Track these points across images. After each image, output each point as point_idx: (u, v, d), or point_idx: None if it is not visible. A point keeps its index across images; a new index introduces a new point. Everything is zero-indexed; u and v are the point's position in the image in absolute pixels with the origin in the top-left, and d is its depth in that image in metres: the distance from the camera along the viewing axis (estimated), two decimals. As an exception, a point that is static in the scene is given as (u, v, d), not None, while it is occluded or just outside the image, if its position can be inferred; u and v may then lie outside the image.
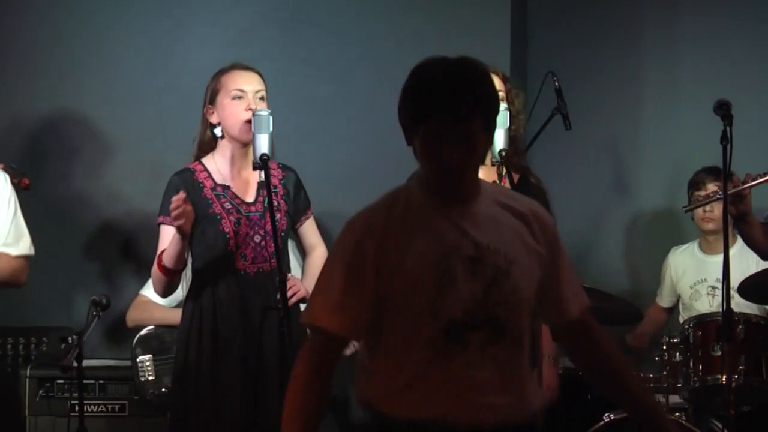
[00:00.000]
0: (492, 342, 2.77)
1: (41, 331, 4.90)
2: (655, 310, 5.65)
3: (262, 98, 4.17)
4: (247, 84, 4.16)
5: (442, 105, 2.74)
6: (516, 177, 4.23)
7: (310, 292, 4.15)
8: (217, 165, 4.21)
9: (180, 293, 4.47)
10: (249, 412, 4.04)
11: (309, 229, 4.36)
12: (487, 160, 3.92)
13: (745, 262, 4.87)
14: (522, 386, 2.84)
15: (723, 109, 4.42)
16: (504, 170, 4.17)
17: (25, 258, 4.33)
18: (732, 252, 4.69)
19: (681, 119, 5.85)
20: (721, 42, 5.86)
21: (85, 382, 4.57)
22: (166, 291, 4.18)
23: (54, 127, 5.53)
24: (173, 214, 3.85)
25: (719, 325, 4.63)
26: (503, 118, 3.93)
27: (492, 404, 2.77)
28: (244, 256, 4.13)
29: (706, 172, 5.27)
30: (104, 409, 4.85)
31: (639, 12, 6.04)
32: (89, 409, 4.72)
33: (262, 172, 3.92)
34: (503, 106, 4.09)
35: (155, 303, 5.02)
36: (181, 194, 3.88)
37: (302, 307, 4.21)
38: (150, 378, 4.78)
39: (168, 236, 4.04)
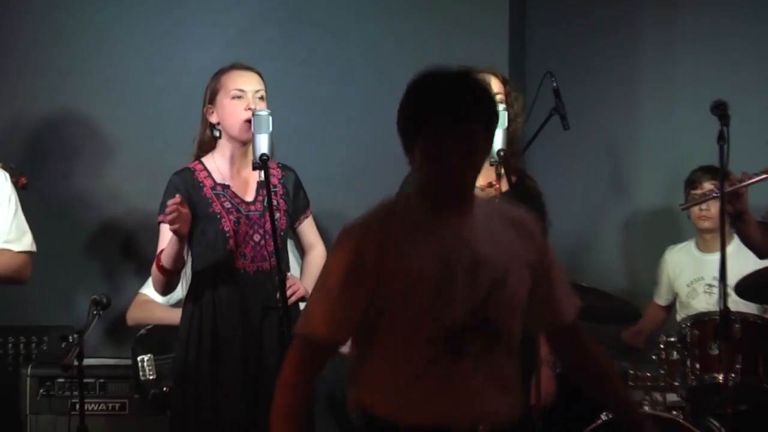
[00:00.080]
0: (489, 348, 2.80)
1: (42, 330, 4.92)
2: (654, 308, 5.66)
3: (261, 98, 4.17)
4: (246, 84, 4.16)
5: (443, 106, 2.75)
6: (513, 179, 4.25)
7: (309, 290, 4.20)
8: (217, 164, 4.21)
9: (180, 292, 4.46)
10: (249, 412, 4.03)
11: (308, 229, 4.36)
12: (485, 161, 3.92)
13: (742, 260, 4.81)
14: (515, 390, 2.87)
15: (720, 110, 4.42)
16: (502, 170, 4.18)
17: (28, 254, 4.33)
18: (729, 250, 4.67)
19: (678, 119, 5.86)
20: (719, 42, 5.87)
21: (85, 380, 4.54)
22: (165, 289, 4.18)
23: (54, 126, 5.53)
24: (168, 218, 3.86)
25: (716, 324, 4.62)
26: (502, 118, 3.93)
27: (489, 411, 2.80)
28: (244, 255, 4.13)
29: (703, 171, 5.29)
30: (105, 407, 4.84)
31: (637, 12, 6.05)
32: (90, 408, 4.71)
33: (262, 172, 3.91)
34: (502, 106, 4.09)
35: (155, 302, 5.03)
36: (177, 198, 3.88)
37: (302, 305, 4.25)
38: (150, 377, 4.76)
39: (167, 235, 4.03)
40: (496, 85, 4.32)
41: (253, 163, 3.93)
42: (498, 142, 3.95)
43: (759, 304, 5.04)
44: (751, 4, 5.85)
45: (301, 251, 4.48)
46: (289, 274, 4.14)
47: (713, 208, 5.19)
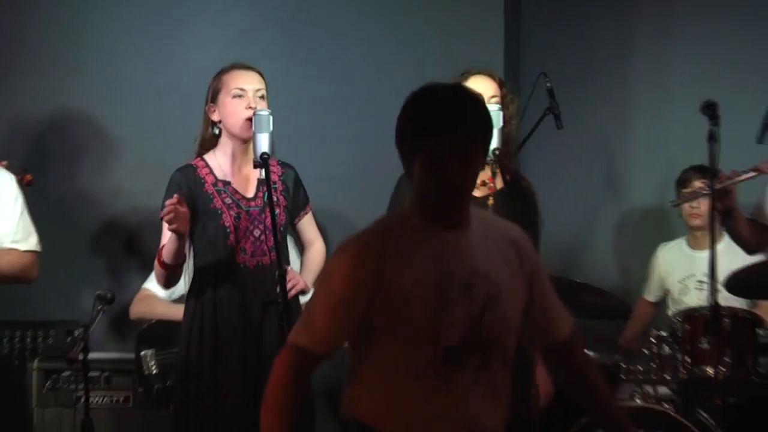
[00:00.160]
0: (485, 364, 2.80)
1: (48, 325, 4.91)
2: (643, 304, 5.69)
3: (262, 97, 4.17)
4: (247, 83, 4.16)
5: (445, 125, 2.74)
6: (507, 177, 4.22)
7: (309, 285, 4.19)
8: (219, 161, 4.20)
9: (182, 287, 4.44)
10: (249, 412, 3.95)
11: (308, 225, 4.36)
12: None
13: (732, 257, 4.83)
14: (506, 403, 2.87)
15: (710, 110, 4.44)
16: (497, 169, 4.20)
17: (34, 254, 4.33)
18: (719, 248, 4.70)
19: (670, 119, 5.87)
20: (711, 44, 5.88)
21: (90, 374, 4.56)
22: (167, 283, 4.17)
23: (57, 126, 5.54)
24: (166, 218, 3.85)
25: (707, 319, 4.67)
26: (497, 118, 3.96)
27: (486, 427, 2.81)
28: (244, 250, 4.12)
29: (694, 170, 5.31)
30: (109, 400, 4.86)
31: (630, 14, 6.06)
32: (94, 401, 4.74)
33: (263, 170, 3.91)
34: (497, 106, 4.11)
35: (157, 297, 5.05)
36: (174, 198, 3.87)
37: (301, 299, 4.23)
38: (154, 372, 4.78)
39: (168, 232, 4.03)
40: (492, 87, 4.32)
41: (254, 162, 3.93)
42: (494, 141, 3.96)
43: (748, 299, 5.06)
44: (743, 5, 5.86)
45: (302, 247, 4.47)
46: (288, 268, 4.14)
47: (703, 205, 5.21)
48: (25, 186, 4.42)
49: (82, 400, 4.52)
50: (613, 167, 6.07)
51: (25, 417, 4.50)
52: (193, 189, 4.14)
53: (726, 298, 4.77)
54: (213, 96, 4.20)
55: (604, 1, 6.11)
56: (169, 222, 3.84)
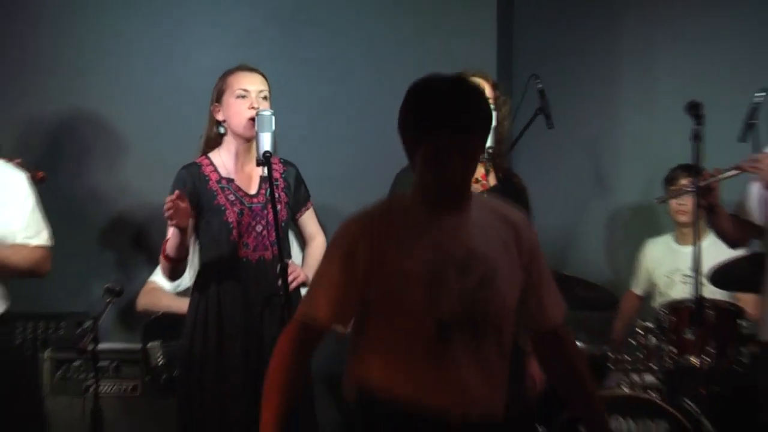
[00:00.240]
0: (476, 340, 2.80)
1: (59, 317, 4.86)
2: (630, 297, 5.71)
3: (265, 98, 4.18)
4: (250, 84, 4.17)
5: (445, 119, 2.75)
6: (500, 175, 4.28)
7: (310, 277, 4.20)
8: (223, 159, 4.21)
9: (187, 280, 4.48)
10: (251, 401, 3.87)
11: (309, 220, 4.37)
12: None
13: (716, 253, 4.82)
14: (500, 383, 2.87)
15: (694, 110, 4.46)
16: (490, 166, 4.22)
17: (46, 249, 4.32)
18: (705, 243, 4.74)
19: (657, 119, 5.87)
20: (694, 46, 5.88)
21: (99, 364, 4.50)
22: (172, 275, 4.18)
23: (69, 126, 5.53)
24: (166, 214, 3.85)
25: (691, 311, 4.66)
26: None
27: (472, 396, 2.81)
28: (246, 245, 4.13)
29: (681, 169, 5.32)
30: (118, 389, 4.84)
31: (617, 18, 6.06)
32: (104, 390, 4.71)
33: (265, 168, 3.92)
34: (491, 106, 4.13)
35: (163, 290, 5.06)
36: (174, 195, 3.87)
37: (302, 291, 4.26)
38: (160, 362, 4.78)
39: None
40: (486, 89, 4.24)
41: (257, 160, 3.94)
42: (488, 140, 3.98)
43: (730, 291, 5.05)
44: (727, 7, 5.86)
45: (303, 242, 4.47)
46: (290, 261, 4.14)
47: (690, 202, 5.14)
48: (37, 183, 4.40)
49: (92, 388, 4.46)
50: (601, 165, 6.07)
51: (37, 405, 4.47)
52: (197, 186, 4.14)
53: (712, 292, 4.78)
54: (218, 96, 4.21)
55: (593, 5, 6.09)
56: (170, 217, 3.85)
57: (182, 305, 4.41)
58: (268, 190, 3.98)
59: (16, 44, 5.54)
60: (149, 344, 4.81)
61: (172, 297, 5.01)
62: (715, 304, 4.77)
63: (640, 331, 4.95)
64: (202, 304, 4.14)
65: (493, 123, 4.01)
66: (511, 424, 2.90)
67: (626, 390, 4.78)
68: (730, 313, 4.81)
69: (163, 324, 4.81)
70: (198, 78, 4.74)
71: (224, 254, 4.12)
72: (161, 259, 4.11)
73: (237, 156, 4.21)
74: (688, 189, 4.70)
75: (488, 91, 4.29)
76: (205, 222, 4.16)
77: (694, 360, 4.73)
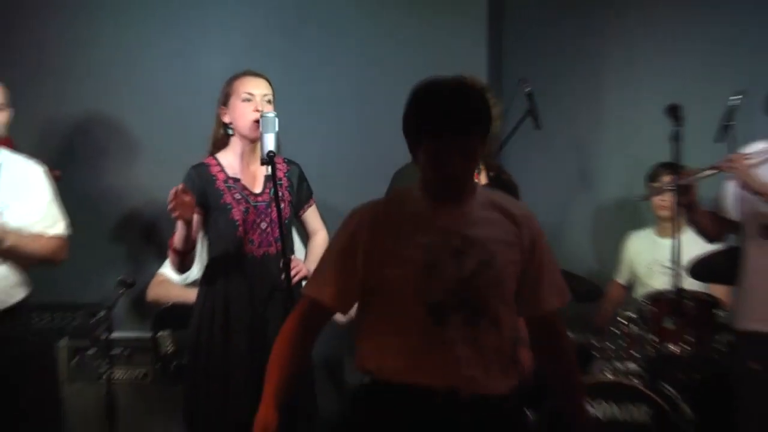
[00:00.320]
0: (471, 322, 2.80)
1: (75, 307, 4.79)
2: (615, 287, 5.72)
3: (269, 101, 4.18)
4: (255, 88, 4.18)
5: (444, 120, 2.76)
6: (491, 173, 4.28)
7: (312, 271, 4.21)
8: (229, 160, 4.22)
9: (195, 271, 4.49)
10: (255, 389, 3.77)
11: (311, 216, 4.38)
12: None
13: (694, 246, 4.89)
14: (495, 365, 2.85)
15: (673, 112, 4.49)
16: (482, 165, 4.24)
17: (62, 238, 4.35)
18: (685, 237, 4.77)
19: (639, 120, 5.85)
20: (673, 52, 5.87)
21: (113, 351, 4.61)
22: (180, 268, 4.17)
23: (83, 128, 5.52)
24: (169, 207, 3.84)
25: (671, 301, 4.72)
26: None
27: (467, 376, 2.80)
28: (252, 241, 4.13)
29: (663, 167, 5.32)
30: (130, 376, 4.83)
31: (602, 27, 6.05)
32: (116, 376, 4.70)
33: (269, 167, 3.93)
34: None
35: (172, 282, 5.07)
36: (180, 186, 3.87)
37: (304, 285, 4.29)
38: (170, 350, 4.77)
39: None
40: None
41: (262, 159, 3.92)
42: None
43: (707, 283, 5.07)
44: (707, 12, 5.86)
45: (305, 238, 4.47)
46: (292, 256, 4.16)
47: (670, 198, 5.20)
48: (54, 181, 4.43)
49: (106, 375, 4.54)
50: (586, 163, 6.07)
51: (55, 390, 4.48)
52: (205, 185, 4.15)
53: (689, 283, 4.80)
54: (224, 100, 4.22)
55: (579, 13, 6.07)
56: (173, 209, 3.84)
57: (190, 296, 4.41)
58: (273, 189, 3.98)
59: (35, 48, 5.52)
60: (159, 333, 4.80)
61: (181, 288, 5.02)
62: (693, 295, 4.80)
63: (622, 320, 4.96)
64: (209, 296, 4.14)
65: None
66: (502, 404, 2.88)
67: (610, 376, 4.80)
68: (707, 303, 4.85)
69: (173, 314, 4.80)
70: (206, 82, 4.72)
71: (230, 250, 4.13)
72: (170, 252, 4.12)
73: (243, 156, 4.22)
74: (668, 187, 4.72)
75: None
76: (212, 219, 4.16)
77: (673, 348, 4.77)
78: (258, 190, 4.21)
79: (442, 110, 2.78)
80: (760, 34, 5.65)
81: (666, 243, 5.13)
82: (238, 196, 4.17)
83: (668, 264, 4.79)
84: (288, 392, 2.91)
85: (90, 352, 4.80)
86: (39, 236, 4.27)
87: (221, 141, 4.26)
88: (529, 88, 4.92)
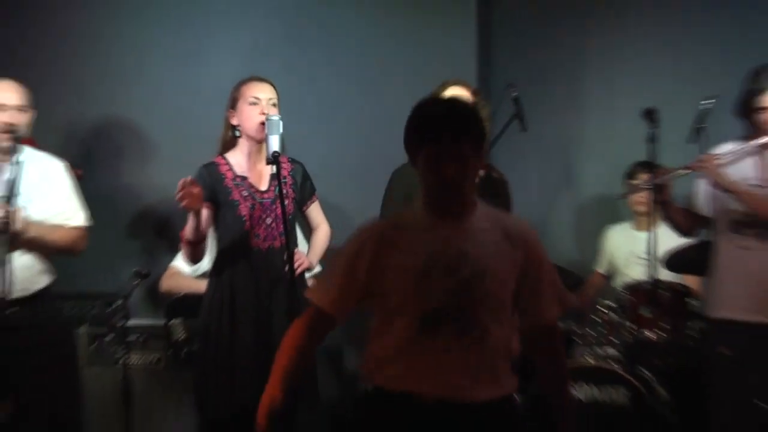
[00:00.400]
0: (461, 334, 2.81)
1: (93, 296, 4.81)
2: (596, 276, 5.72)
3: (274, 105, 4.20)
4: (261, 92, 4.19)
5: (438, 131, 2.81)
6: (482, 171, 4.26)
7: (314, 263, 4.19)
8: (237, 159, 4.23)
9: (206, 263, 4.50)
10: (261, 374, 3.57)
11: (314, 211, 4.39)
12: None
13: (668, 239, 4.91)
14: (489, 374, 2.85)
15: (649, 115, 4.51)
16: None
17: (82, 228, 4.35)
18: (660, 231, 4.79)
19: (618, 122, 5.83)
20: (650, 59, 5.85)
21: (128, 338, 4.65)
22: (192, 258, 4.15)
23: (103, 131, 5.53)
24: (177, 197, 3.81)
25: (647, 291, 4.74)
26: None
27: (455, 385, 2.80)
28: (258, 236, 4.14)
29: (640, 166, 5.31)
30: (144, 361, 4.84)
31: (584, 35, 6.03)
32: (132, 362, 4.75)
33: (275, 166, 3.91)
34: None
35: (183, 274, 5.08)
36: (188, 178, 3.84)
37: (307, 275, 4.27)
38: (182, 338, 4.77)
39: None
40: (466, 96, 4.34)
41: (267, 159, 3.92)
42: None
43: (681, 274, 5.08)
44: (677, 25, 5.85)
45: (308, 232, 4.49)
46: (296, 249, 4.18)
47: (646, 195, 5.20)
48: (76, 179, 4.44)
49: (122, 360, 4.59)
50: (569, 162, 6.07)
51: (75, 374, 4.47)
52: (215, 183, 4.16)
53: (664, 274, 4.82)
54: (232, 103, 4.23)
55: (562, 22, 6.04)
56: (181, 198, 3.82)
57: (201, 286, 4.42)
58: (277, 186, 3.96)
59: (57, 54, 5.54)
60: (172, 321, 4.82)
61: (192, 279, 5.04)
62: (668, 285, 4.83)
63: (602, 309, 4.98)
64: (218, 286, 4.15)
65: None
66: (492, 412, 2.86)
67: (591, 361, 4.81)
68: (680, 293, 4.87)
69: (185, 303, 4.81)
70: (214, 87, 4.71)
71: (238, 243, 4.14)
72: (182, 244, 4.12)
73: (249, 156, 4.23)
74: (645, 185, 4.73)
75: (468, 97, 4.33)
76: (221, 215, 4.17)
77: (650, 334, 4.80)
78: (264, 187, 4.23)
79: (442, 116, 2.83)
80: (731, 42, 5.63)
81: (642, 236, 5.13)
82: (245, 193, 4.19)
83: (645, 256, 4.79)
84: (293, 380, 2.95)
85: (107, 338, 4.82)
86: (59, 227, 4.28)
87: (230, 142, 4.27)
88: (515, 93, 4.88)
